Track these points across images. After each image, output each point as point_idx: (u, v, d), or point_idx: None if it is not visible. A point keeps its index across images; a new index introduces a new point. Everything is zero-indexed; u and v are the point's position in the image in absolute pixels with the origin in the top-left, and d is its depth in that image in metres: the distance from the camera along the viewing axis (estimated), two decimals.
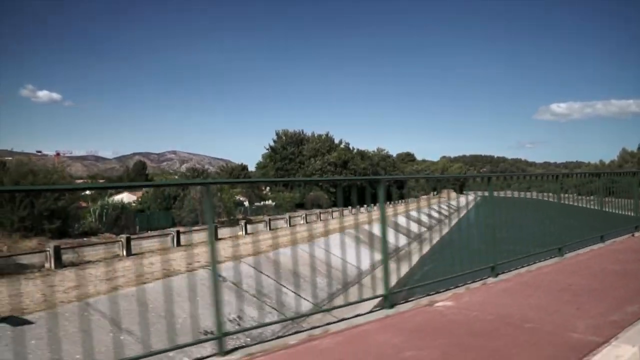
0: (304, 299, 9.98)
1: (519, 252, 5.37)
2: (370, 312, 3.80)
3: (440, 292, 4.26)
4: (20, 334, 6.01)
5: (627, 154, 74.52)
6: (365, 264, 11.57)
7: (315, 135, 53.00)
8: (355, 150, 56.57)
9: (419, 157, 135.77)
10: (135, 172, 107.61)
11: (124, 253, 13.13)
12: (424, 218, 22.25)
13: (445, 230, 7.17)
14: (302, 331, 3.28)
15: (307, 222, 26.57)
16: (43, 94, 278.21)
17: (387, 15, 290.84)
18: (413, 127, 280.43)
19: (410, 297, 4.17)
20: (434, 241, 6.33)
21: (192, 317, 5.41)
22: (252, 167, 63.59)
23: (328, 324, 3.40)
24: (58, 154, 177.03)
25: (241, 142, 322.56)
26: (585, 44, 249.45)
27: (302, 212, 33.44)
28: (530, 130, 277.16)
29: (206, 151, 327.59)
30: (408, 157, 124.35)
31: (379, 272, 4.16)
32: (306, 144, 51.57)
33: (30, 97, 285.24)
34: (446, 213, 21.03)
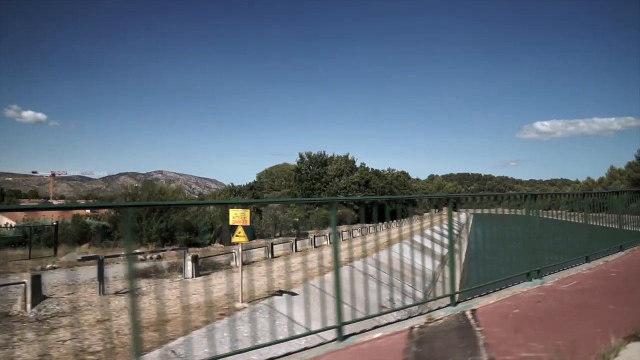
0: (414, 290, 13.12)
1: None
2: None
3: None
4: (291, 300, 8.98)
5: (616, 171, 79.47)
6: (429, 266, 14.74)
7: (335, 156, 56.82)
8: (370, 170, 60.35)
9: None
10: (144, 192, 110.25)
11: (237, 263, 16.05)
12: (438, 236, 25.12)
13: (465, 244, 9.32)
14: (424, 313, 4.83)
15: (352, 237, 29.51)
16: (28, 115, 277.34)
17: (369, 36, 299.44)
18: (400, 146, 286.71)
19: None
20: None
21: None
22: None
23: (430, 311, 4.89)
24: (53, 175, 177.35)
25: (228, 163, 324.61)
26: (568, 63, 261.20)
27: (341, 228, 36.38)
28: (515, 148, 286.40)
29: (193, 171, 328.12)
30: (405, 177, 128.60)
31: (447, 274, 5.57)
32: (330, 164, 55.11)
33: (15, 118, 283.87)
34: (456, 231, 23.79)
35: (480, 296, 5.29)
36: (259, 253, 18.05)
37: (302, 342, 4.73)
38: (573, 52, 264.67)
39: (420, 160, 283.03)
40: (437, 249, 18.51)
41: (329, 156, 56.25)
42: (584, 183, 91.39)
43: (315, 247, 19.91)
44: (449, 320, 4.41)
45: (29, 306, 7.66)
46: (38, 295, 7.79)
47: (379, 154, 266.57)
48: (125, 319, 7.27)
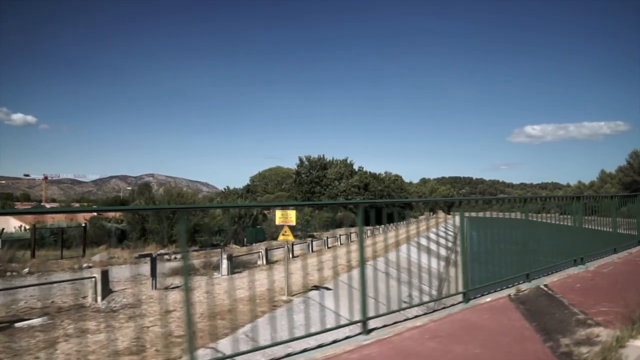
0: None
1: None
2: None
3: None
4: (328, 293, 9.83)
5: (606, 175, 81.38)
6: (435, 265, 15.71)
7: (334, 159, 57.77)
8: (368, 173, 61.41)
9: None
10: (139, 196, 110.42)
11: (264, 262, 16.90)
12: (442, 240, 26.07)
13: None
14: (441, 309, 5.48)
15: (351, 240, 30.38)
16: (17, 117, 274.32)
17: (359, 39, 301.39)
18: (391, 149, 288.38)
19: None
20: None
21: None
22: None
23: (450, 305, 5.46)
24: (46, 178, 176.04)
25: (219, 165, 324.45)
26: (558, 67, 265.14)
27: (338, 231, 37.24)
28: (505, 152, 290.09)
29: (184, 174, 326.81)
30: (400, 180, 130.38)
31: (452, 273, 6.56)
32: (329, 168, 56.09)
33: (4, 120, 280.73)
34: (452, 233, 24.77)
35: (545, 275, 6.74)
36: (278, 253, 18.86)
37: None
38: (562, 56, 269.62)
39: (411, 163, 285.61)
40: (442, 251, 19.46)
41: (328, 160, 57.29)
42: (575, 186, 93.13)
43: (328, 247, 20.79)
44: (531, 291, 5.76)
45: (99, 298, 8.43)
46: (106, 288, 8.55)
47: (370, 156, 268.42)
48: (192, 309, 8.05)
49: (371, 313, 4.63)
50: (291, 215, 9.56)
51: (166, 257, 16.48)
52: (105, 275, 8.47)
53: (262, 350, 4.37)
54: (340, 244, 23.08)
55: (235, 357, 3.73)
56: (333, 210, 45.54)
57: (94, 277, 8.44)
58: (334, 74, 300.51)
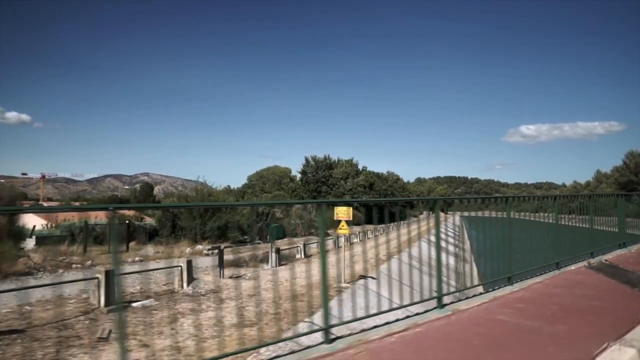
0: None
1: None
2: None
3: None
4: (375, 281, 10.93)
5: (602, 175, 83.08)
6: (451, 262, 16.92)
7: (338, 159, 59.14)
8: (372, 173, 62.79)
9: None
10: (142, 194, 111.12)
11: (302, 255, 18.02)
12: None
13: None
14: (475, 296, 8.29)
15: (367, 237, 31.53)
16: (12, 115, 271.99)
17: (354, 39, 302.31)
18: (386, 149, 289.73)
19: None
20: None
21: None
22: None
23: (473, 296, 8.56)
24: (43, 177, 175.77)
25: (214, 165, 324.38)
26: (552, 67, 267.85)
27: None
28: (500, 152, 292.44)
29: (179, 173, 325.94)
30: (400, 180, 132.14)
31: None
32: (335, 167, 57.37)
33: None
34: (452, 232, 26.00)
35: (602, 254, 8.42)
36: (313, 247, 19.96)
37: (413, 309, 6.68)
38: (556, 56, 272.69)
39: (406, 163, 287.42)
40: (450, 247, 20.61)
41: (333, 160, 58.65)
42: (571, 186, 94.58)
43: (351, 243, 21.91)
44: (598, 263, 7.53)
45: (184, 285, 9.52)
46: (190, 276, 9.65)
47: (364, 156, 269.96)
48: (268, 294, 9.16)
49: (416, 299, 5.40)
50: (349, 212, 10.69)
51: (205, 252, 17.57)
52: (189, 264, 9.56)
53: (346, 325, 5.22)
54: (360, 240, 24.20)
55: (340, 326, 4.61)
56: (403, 208, 46.89)
57: (181, 265, 9.52)
58: (328, 74, 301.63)
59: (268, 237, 23.25)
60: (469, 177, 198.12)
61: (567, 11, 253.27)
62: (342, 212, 10.67)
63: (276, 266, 13.40)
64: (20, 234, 14.63)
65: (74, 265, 13.82)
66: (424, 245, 18.75)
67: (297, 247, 16.16)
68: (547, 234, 7.75)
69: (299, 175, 58.73)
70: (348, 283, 10.57)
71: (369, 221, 31.64)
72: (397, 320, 4.97)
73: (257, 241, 22.03)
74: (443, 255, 7.91)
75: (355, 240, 25.21)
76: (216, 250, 10.93)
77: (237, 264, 14.26)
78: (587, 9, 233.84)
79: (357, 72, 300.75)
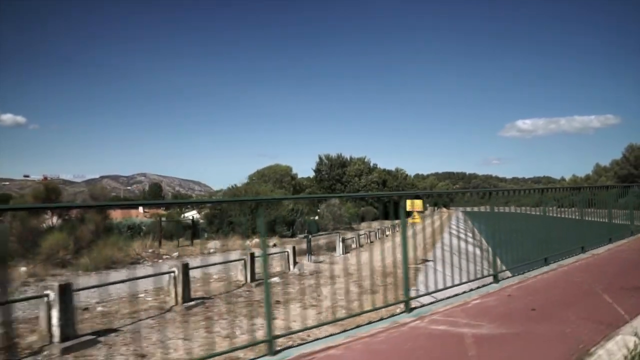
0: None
1: None
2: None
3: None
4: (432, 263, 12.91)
5: (601, 168, 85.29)
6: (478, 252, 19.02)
7: (351, 157, 61.37)
8: (384, 170, 65.13)
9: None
10: (151, 195, 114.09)
11: (357, 245, 20.04)
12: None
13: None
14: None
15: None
16: (7, 117, 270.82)
17: (349, 35, 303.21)
18: (383, 145, 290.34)
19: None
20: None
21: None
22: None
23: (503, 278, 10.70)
24: (45, 178, 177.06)
25: (211, 164, 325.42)
26: (547, 61, 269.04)
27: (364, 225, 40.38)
28: (497, 146, 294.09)
29: (176, 173, 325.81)
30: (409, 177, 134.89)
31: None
32: (349, 165, 59.49)
33: None
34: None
35: (619, 240, 9.84)
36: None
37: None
38: (552, 50, 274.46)
39: (403, 159, 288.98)
40: (469, 239, 22.73)
41: (346, 158, 60.88)
42: (571, 180, 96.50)
43: (386, 235, 24.00)
44: (622, 246, 9.23)
45: (291, 266, 11.50)
46: (295, 260, 11.63)
47: (362, 152, 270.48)
48: (363, 272, 11.13)
49: (471, 278, 6.47)
50: (419, 204, 12.65)
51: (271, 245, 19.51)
52: (294, 250, 11.53)
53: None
54: (389, 234, 26.44)
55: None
56: (357, 205, 48.87)
57: (287, 251, 11.50)
58: (324, 71, 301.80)
59: (306, 231, 25.24)
60: (467, 173, 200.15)
61: (562, 5, 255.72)
62: (416, 205, 12.62)
63: (343, 253, 15.37)
64: (111, 229, 16.52)
65: (164, 256, 15.75)
66: (446, 236, 20.84)
67: (352, 238, 18.17)
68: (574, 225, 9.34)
69: (299, 174, 60.50)
70: (418, 264, 12.55)
71: (385, 217, 33.59)
72: (464, 292, 5.96)
73: (301, 235, 24.02)
74: (470, 247, 9.84)
75: (388, 233, 27.25)
76: (302, 237, 12.85)
77: (302, 253, 16.26)
78: (582, 2, 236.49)
79: (350, 69, 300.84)
